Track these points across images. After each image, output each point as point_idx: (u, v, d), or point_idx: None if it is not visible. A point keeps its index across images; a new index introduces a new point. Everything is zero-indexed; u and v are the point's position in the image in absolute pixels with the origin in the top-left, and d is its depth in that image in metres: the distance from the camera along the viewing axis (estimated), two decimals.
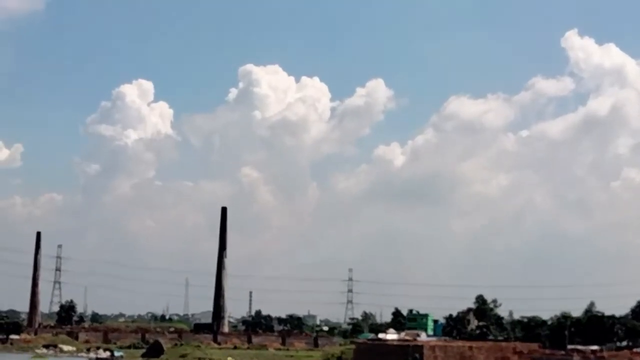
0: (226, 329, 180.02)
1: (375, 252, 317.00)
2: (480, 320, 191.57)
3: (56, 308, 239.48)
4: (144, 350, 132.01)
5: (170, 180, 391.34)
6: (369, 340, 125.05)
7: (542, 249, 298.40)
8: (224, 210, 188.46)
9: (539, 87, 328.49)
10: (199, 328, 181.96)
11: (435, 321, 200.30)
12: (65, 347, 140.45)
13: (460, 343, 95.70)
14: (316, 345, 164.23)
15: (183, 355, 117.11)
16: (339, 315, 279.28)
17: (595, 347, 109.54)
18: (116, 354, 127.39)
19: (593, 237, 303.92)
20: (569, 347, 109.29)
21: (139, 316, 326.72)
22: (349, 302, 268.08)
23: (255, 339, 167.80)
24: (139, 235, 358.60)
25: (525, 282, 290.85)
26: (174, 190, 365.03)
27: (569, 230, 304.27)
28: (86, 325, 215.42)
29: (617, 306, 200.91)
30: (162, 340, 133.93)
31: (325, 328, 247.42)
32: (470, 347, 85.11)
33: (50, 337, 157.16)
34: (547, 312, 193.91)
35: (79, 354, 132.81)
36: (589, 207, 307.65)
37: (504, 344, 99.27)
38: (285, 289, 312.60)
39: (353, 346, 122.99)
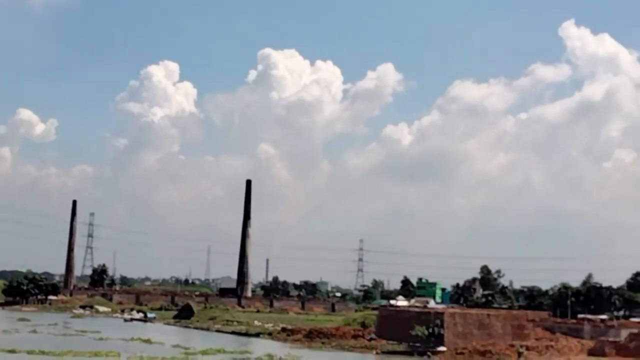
0: (249, 293, 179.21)
1: (384, 225, 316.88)
2: (485, 289, 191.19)
3: (88, 271, 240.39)
4: (174, 312, 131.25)
5: (193, 154, 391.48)
6: (390, 306, 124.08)
7: (538, 225, 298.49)
8: (248, 183, 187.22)
9: (538, 73, 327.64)
10: (224, 292, 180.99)
11: (443, 289, 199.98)
12: (101, 308, 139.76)
13: (477, 311, 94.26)
14: (333, 310, 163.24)
15: (212, 318, 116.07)
16: (350, 282, 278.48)
17: (604, 317, 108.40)
18: (149, 315, 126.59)
19: (586, 214, 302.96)
20: (579, 316, 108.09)
21: (164, 280, 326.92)
22: (360, 270, 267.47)
23: (276, 304, 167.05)
24: (164, 205, 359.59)
25: (524, 254, 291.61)
26: (197, 164, 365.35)
27: (564, 207, 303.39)
28: (117, 287, 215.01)
29: (612, 278, 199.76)
30: (191, 303, 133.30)
31: (338, 294, 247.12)
32: (488, 315, 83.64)
33: (85, 298, 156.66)
34: (545, 283, 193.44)
35: (114, 315, 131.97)
36: (582, 186, 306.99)
37: (517, 312, 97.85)
38: (300, 257, 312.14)
39: (371, 312, 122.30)
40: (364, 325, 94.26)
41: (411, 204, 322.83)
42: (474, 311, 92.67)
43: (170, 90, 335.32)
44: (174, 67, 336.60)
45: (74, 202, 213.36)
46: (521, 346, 74.87)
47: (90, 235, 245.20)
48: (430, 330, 78.75)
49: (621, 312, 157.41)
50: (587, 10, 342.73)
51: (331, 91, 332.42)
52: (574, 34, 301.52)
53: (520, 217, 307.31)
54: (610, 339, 79.36)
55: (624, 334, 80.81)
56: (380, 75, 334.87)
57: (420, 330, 78.98)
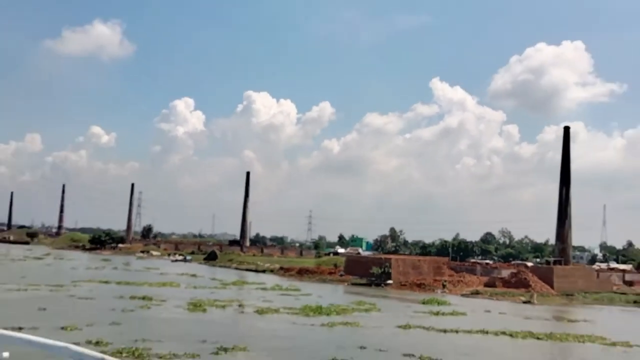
0: (248, 243, 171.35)
1: (323, 202, 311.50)
2: (393, 242, 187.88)
3: (139, 229, 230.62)
4: (202, 256, 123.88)
5: (202, 157, 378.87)
6: (335, 253, 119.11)
7: (418, 203, 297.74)
8: (247, 175, 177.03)
9: (418, 110, 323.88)
10: (232, 243, 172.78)
11: (367, 242, 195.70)
12: (154, 252, 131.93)
13: (411, 257, 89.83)
14: (301, 254, 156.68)
15: (230, 260, 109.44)
16: (302, 236, 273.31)
17: (489, 261, 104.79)
18: (187, 257, 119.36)
19: (446, 196, 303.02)
20: (471, 260, 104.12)
21: (183, 235, 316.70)
22: (309, 229, 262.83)
23: (265, 250, 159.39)
24: (185, 189, 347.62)
25: (413, 220, 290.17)
26: (205, 163, 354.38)
27: (433, 192, 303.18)
28: (159, 239, 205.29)
29: (470, 236, 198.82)
30: (215, 250, 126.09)
31: (297, 244, 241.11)
32: (419, 260, 79.39)
33: (142, 246, 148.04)
34: (427, 238, 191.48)
35: (164, 257, 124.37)
36: (443, 179, 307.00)
37: (437, 258, 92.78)
38: (272, 220, 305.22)
39: (326, 257, 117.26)
40: (335, 265, 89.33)
41: (340, 190, 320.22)
42: (410, 257, 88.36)
43: (188, 115, 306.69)
44: (190, 101, 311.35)
45: (132, 185, 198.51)
46: (444, 280, 70.95)
47: (139, 205, 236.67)
48: (382, 270, 74.40)
49: (479, 257, 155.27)
50: (447, 70, 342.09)
51: (290, 118, 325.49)
52: (439, 86, 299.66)
53: (407, 198, 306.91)
54: (498, 276, 75.98)
55: (505, 272, 77.54)
56: (320, 109, 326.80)
57: (376, 270, 74.36)
